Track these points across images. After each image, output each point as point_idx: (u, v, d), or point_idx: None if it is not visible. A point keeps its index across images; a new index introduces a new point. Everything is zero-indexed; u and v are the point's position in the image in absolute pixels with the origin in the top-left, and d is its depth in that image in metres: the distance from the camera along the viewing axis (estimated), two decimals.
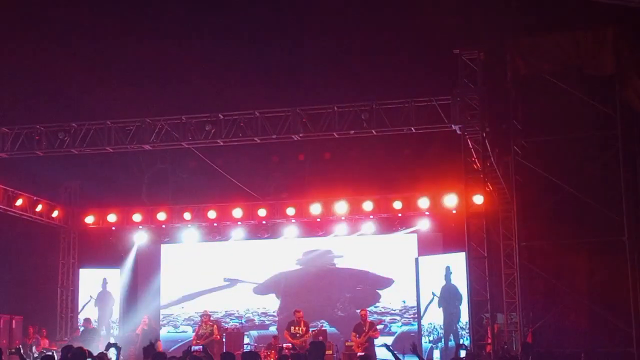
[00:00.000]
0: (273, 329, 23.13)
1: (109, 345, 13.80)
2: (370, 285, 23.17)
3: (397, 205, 21.63)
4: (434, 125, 16.77)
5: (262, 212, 22.51)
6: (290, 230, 23.18)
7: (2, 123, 18.35)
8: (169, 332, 23.88)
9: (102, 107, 19.16)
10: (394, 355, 11.46)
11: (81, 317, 22.71)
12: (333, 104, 17.06)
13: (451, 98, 16.35)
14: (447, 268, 20.72)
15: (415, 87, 17.38)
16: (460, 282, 20.16)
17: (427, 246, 22.38)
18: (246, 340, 22.59)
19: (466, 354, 16.49)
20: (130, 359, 20.32)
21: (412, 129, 16.86)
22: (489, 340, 17.46)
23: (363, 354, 18.74)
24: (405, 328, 22.50)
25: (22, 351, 17.88)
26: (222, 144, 17.82)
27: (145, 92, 19.72)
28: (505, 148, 17.76)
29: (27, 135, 18.23)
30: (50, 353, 18.21)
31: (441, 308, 20.76)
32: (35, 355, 19.41)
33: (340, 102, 17.12)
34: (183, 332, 23.72)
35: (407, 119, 16.76)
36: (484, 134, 16.32)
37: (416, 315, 21.94)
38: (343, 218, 22.34)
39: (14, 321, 21.69)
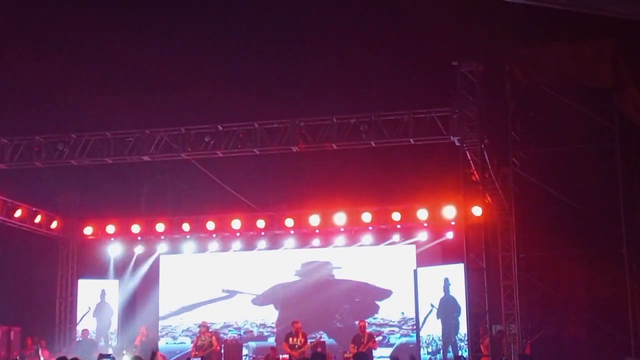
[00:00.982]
0: (272, 340, 23.11)
1: (102, 356, 13.74)
2: (368, 296, 23.16)
3: (396, 216, 21.62)
4: (432, 137, 16.76)
5: (260, 224, 22.47)
6: (289, 242, 23.17)
7: (1, 134, 18.34)
8: (167, 343, 23.85)
9: (101, 118, 19.14)
10: None
11: (79, 328, 22.71)
12: (332, 116, 17.07)
13: (450, 110, 16.35)
14: (446, 280, 20.72)
15: (414, 99, 17.36)
16: (459, 293, 20.15)
17: (425, 257, 22.37)
18: (245, 351, 22.57)
19: None
20: None
21: (411, 140, 16.85)
22: (483, 351, 17.48)
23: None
24: (403, 339, 22.48)
25: None
26: (221, 155, 17.81)
27: (144, 103, 19.72)
28: (503, 160, 17.81)
29: (26, 147, 18.21)
30: None
31: (440, 319, 20.76)
32: None
33: (339, 114, 17.13)
34: (181, 343, 23.69)
35: (405, 131, 16.74)
36: (483, 146, 16.32)
37: (415, 327, 21.92)
38: (342, 229, 22.32)
39: (12, 332, 21.63)
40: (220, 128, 17.51)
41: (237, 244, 23.47)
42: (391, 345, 22.45)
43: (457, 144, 16.47)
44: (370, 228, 22.31)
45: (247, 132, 17.47)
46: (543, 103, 16.90)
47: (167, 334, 24.00)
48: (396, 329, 22.59)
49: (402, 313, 22.65)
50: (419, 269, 21.89)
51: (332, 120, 17.06)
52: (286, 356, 19.52)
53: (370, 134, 16.89)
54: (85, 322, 22.92)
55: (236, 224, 22.43)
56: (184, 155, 17.93)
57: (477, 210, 16.91)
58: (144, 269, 24.18)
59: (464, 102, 16.20)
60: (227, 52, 20.37)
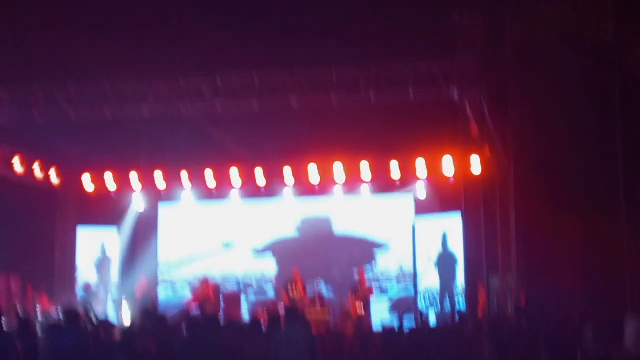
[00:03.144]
0: (271, 294, 23.26)
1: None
2: (367, 247, 23.26)
3: (395, 167, 21.59)
4: (432, 90, 16.69)
5: (259, 175, 22.46)
6: (288, 193, 23.13)
7: None
8: (167, 295, 23.99)
9: (99, 70, 18.97)
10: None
11: (80, 279, 22.89)
12: (331, 69, 16.99)
13: (450, 63, 16.29)
14: (444, 236, 20.83)
15: (414, 52, 17.24)
16: (457, 245, 20.33)
17: (423, 209, 22.38)
18: (244, 304, 22.73)
19: (460, 317, 16.73)
20: None
21: (411, 94, 16.79)
22: (481, 304, 17.69)
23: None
24: (402, 292, 22.62)
25: (19, 311, 18.07)
26: (220, 109, 17.74)
27: (144, 55, 19.52)
28: (503, 114, 17.81)
29: (24, 100, 18.13)
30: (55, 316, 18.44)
31: (438, 272, 20.90)
32: (37, 315, 19.53)
33: (338, 67, 17.03)
34: (181, 296, 23.80)
35: (405, 84, 16.69)
36: (483, 100, 16.30)
37: (413, 279, 22.07)
38: (340, 181, 22.28)
39: (11, 281, 21.73)
40: (219, 81, 17.43)
41: (235, 196, 23.43)
42: (390, 297, 22.61)
43: (457, 97, 16.44)
44: (369, 179, 22.24)
45: (246, 86, 17.40)
46: (544, 58, 16.86)
47: (167, 286, 24.11)
48: (394, 282, 22.73)
49: (400, 266, 22.75)
50: (417, 222, 21.91)
51: (332, 73, 16.99)
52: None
53: (370, 87, 16.82)
54: (87, 274, 23.11)
55: (235, 175, 22.43)
56: (183, 109, 17.89)
57: (476, 164, 16.97)
58: (143, 219, 24.20)
59: (464, 56, 16.13)
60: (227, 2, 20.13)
